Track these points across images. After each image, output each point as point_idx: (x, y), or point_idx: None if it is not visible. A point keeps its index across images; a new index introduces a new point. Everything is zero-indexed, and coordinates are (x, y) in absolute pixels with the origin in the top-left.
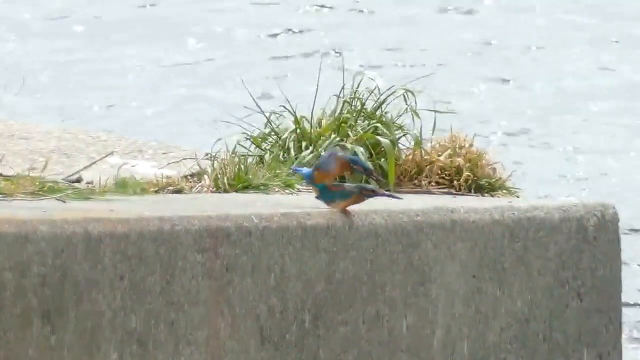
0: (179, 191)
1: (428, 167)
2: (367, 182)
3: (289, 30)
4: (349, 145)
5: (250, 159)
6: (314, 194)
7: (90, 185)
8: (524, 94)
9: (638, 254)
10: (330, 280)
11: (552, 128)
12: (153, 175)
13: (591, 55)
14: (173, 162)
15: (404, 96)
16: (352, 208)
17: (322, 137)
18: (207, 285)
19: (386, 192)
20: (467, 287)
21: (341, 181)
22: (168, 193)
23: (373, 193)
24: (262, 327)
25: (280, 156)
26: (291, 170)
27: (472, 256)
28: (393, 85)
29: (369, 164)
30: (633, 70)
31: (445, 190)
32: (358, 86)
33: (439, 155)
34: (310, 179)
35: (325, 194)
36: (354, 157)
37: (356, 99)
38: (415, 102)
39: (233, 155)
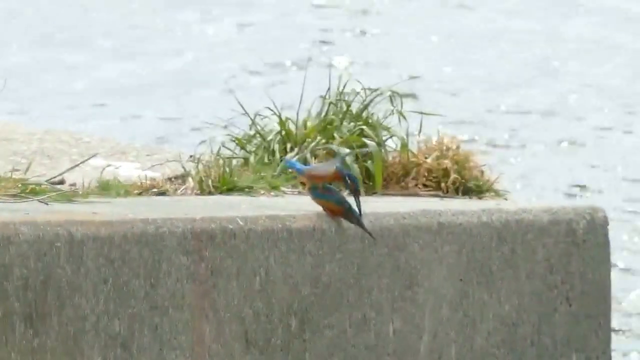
0: (163, 193)
1: (415, 169)
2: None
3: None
4: (334, 147)
5: (235, 161)
6: (303, 192)
7: (73, 187)
8: None
9: None
10: (316, 284)
11: None
12: (137, 177)
13: None
14: (157, 164)
15: (390, 98)
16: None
17: (307, 139)
18: (191, 288)
19: (367, 229)
20: (454, 291)
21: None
22: (152, 195)
23: (356, 221)
24: (247, 331)
25: (265, 158)
26: (284, 164)
27: (460, 259)
28: (379, 87)
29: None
30: None
31: (433, 192)
32: (344, 87)
33: (426, 158)
34: (302, 176)
35: (315, 191)
36: (351, 174)
37: (342, 101)
38: (402, 104)
39: (217, 157)
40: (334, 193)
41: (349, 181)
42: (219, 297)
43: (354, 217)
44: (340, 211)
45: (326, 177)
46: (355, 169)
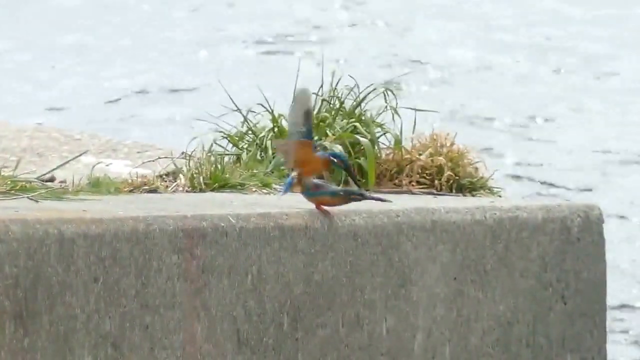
0: (154, 191)
1: (409, 166)
2: (347, 182)
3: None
4: (327, 144)
5: (227, 158)
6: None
7: (63, 185)
8: None
9: None
10: (308, 282)
11: None
12: (127, 174)
13: None
14: (148, 161)
15: (384, 94)
16: (331, 208)
17: None
18: (182, 287)
19: (375, 196)
20: (448, 290)
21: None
22: (143, 193)
23: (361, 197)
24: (239, 330)
25: (258, 155)
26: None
27: (454, 258)
28: (372, 83)
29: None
30: None
31: (426, 190)
32: (337, 84)
33: (419, 155)
34: (295, 182)
35: (308, 192)
36: (335, 152)
37: (335, 97)
38: (396, 100)
39: (209, 154)
40: (326, 187)
41: (335, 160)
42: (210, 296)
43: (357, 195)
44: (340, 200)
45: (314, 166)
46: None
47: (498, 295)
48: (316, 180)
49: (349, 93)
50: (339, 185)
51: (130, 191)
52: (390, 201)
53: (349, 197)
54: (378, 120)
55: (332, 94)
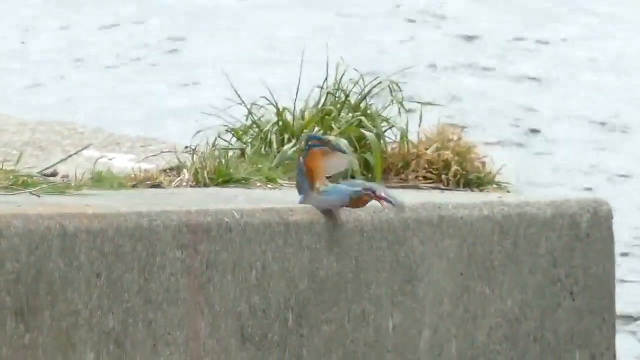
0: (157, 186)
1: (415, 161)
2: (352, 177)
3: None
4: (332, 138)
5: (231, 153)
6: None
7: (66, 180)
8: None
9: None
10: (314, 278)
11: None
12: (131, 169)
13: None
14: (152, 155)
15: (390, 88)
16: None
17: (305, 130)
18: (186, 283)
19: (397, 200)
20: (455, 286)
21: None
22: (146, 188)
23: (377, 196)
24: (244, 326)
25: (263, 149)
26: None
27: (461, 253)
28: (378, 77)
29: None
30: None
31: (433, 185)
32: (342, 77)
33: (426, 149)
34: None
35: (323, 194)
36: (333, 144)
37: (340, 91)
38: (402, 94)
39: (213, 148)
40: (332, 194)
41: (332, 150)
42: (214, 292)
43: (370, 191)
44: (357, 202)
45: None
46: (355, 161)
47: (506, 292)
48: (324, 187)
49: (354, 86)
50: (344, 178)
51: (134, 186)
52: (403, 207)
53: (366, 196)
54: (384, 114)
55: (337, 87)
